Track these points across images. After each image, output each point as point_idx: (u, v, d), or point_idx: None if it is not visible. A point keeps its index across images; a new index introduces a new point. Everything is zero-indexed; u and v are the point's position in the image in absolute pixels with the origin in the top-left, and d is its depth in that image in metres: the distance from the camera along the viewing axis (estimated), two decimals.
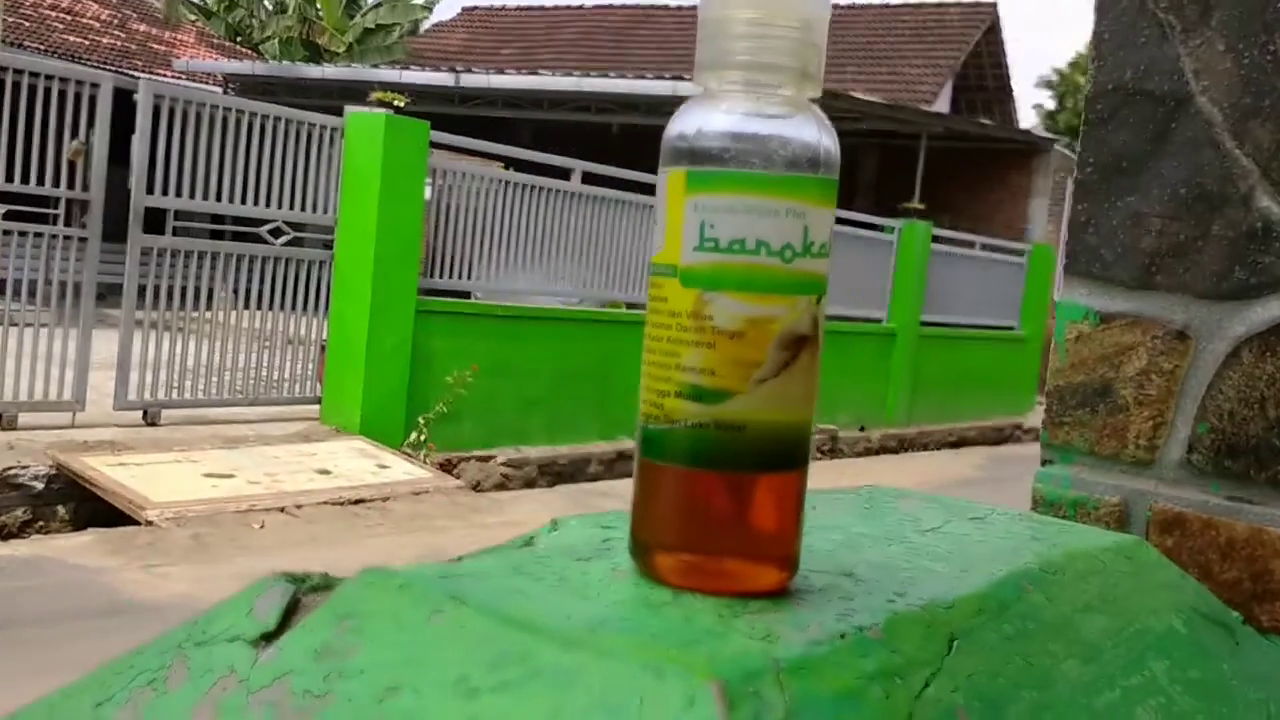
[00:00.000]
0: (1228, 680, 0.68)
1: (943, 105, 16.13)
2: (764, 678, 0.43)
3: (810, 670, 0.45)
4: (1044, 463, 0.87)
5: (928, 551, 0.64)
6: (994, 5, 17.29)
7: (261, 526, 5.52)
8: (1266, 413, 0.78)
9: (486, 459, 7.89)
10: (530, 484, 8.12)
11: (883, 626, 0.50)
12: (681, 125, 0.51)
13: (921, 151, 13.86)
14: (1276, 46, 0.78)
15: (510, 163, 8.58)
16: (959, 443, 12.48)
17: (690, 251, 0.49)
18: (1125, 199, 0.83)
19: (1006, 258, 13.75)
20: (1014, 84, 17.35)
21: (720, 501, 0.50)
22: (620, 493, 8.16)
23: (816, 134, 0.50)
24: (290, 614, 0.51)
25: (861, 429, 11.34)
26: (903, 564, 0.61)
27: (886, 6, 18.01)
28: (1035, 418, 13.75)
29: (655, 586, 0.51)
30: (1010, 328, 13.89)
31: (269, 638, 0.49)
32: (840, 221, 11.16)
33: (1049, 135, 16.75)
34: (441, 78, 13.46)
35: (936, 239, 12.31)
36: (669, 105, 12.63)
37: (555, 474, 8.33)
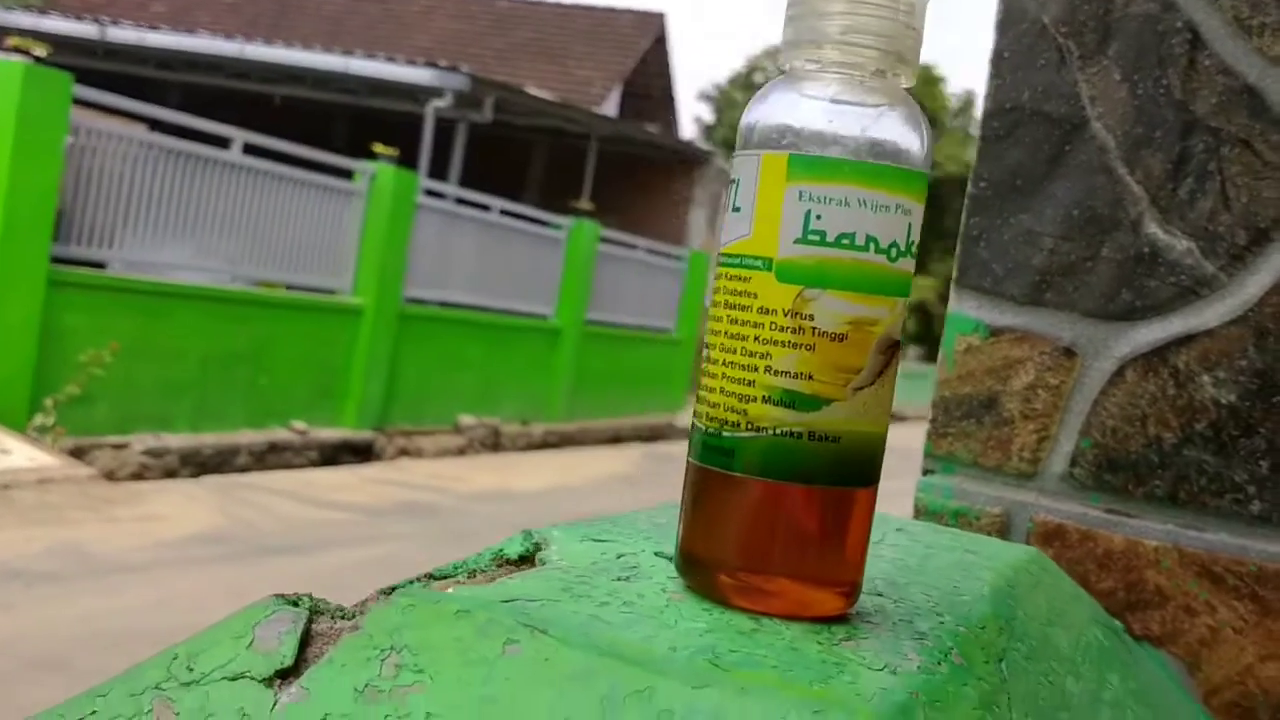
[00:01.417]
0: (1150, 688, 0.70)
1: (611, 109, 16.51)
2: (915, 713, 0.39)
3: (942, 702, 0.41)
4: (925, 472, 0.87)
5: (900, 565, 0.62)
6: (663, 16, 17.91)
7: None
8: (1147, 430, 0.82)
9: (122, 446, 7.29)
10: (171, 474, 7.59)
11: (960, 651, 0.47)
12: (776, 106, 0.46)
13: (592, 152, 14.13)
14: (1169, 81, 0.81)
15: (162, 127, 7.95)
16: (617, 439, 12.82)
17: (790, 244, 0.44)
18: (1018, 216, 0.84)
19: (667, 263, 14.26)
20: (677, 95, 18.02)
21: (805, 519, 0.45)
22: (272, 486, 7.79)
23: (921, 126, 0.46)
24: (304, 645, 0.41)
25: (524, 423, 11.41)
26: (900, 579, 0.58)
27: (560, 6, 18.22)
28: (686, 417, 14.36)
29: (724, 610, 0.46)
30: (667, 330, 14.42)
31: (286, 675, 0.40)
32: (509, 215, 11.20)
33: (707, 148, 17.51)
34: (85, 29, 12.34)
35: (603, 240, 12.59)
36: (339, 81, 12.22)
37: (200, 464, 7.83)
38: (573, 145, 14.77)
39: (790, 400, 0.44)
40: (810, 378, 0.44)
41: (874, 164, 0.44)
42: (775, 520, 0.45)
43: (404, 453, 9.64)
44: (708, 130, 27.11)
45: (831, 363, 0.44)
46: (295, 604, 0.42)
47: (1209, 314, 0.81)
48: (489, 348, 10.94)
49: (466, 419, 10.48)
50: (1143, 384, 0.82)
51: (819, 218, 0.44)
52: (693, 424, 0.48)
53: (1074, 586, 0.77)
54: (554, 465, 10.54)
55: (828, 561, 0.46)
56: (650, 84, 18.13)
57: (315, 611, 0.43)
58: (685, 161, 15.99)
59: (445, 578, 0.52)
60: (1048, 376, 0.84)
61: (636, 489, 9.87)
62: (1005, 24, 0.85)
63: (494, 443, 10.76)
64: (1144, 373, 0.82)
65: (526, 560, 0.55)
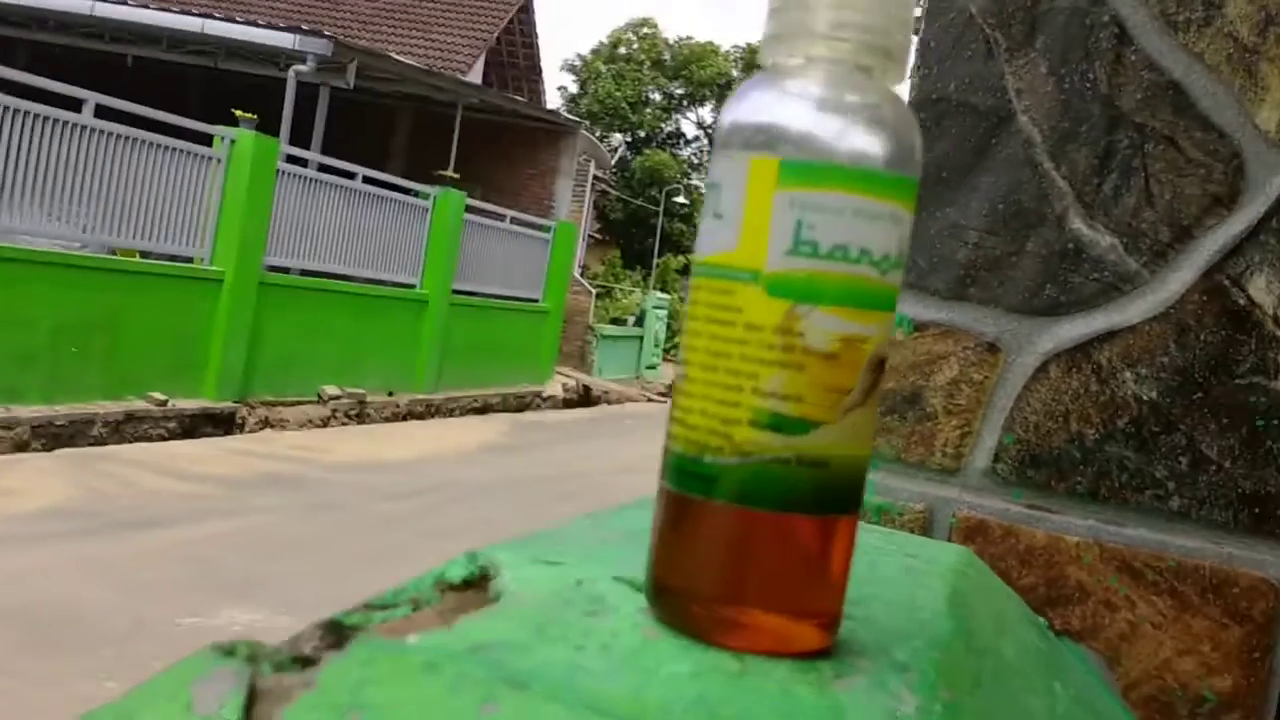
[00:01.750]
0: (1083, 690, 0.70)
1: (476, 77, 16.27)
2: None
3: None
4: None
5: (851, 575, 0.60)
6: None
7: None
8: (1069, 426, 0.82)
9: None
10: (22, 447, 7.26)
11: (945, 683, 0.45)
12: (760, 104, 0.43)
13: (457, 121, 13.90)
14: (1095, 75, 0.81)
15: (8, 88, 7.52)
16: (484, 409, 12.72)
17: (781, 255, 0.41)
18: (944, 209, 0.83)
19: (533, 233, 14.16)
20: (542, 65, 17.81)
21: (791, 549, 0.43)
22: (130, 458, 7.50)
23: (914, 127, 0.43)
24: (249, 705, 0.37)
25: (390, 394, 11.22)
26: (854, 593, 0.56)
27: None
28: (554, 387, 14.33)
29: (703, 648, 0.43)
30: (534, 300, 14.33)
31: None
32: (373, 183, 10.95)
33: (575, 119, 17.40)
34: None
35: (470, 209, 12.42)
36: (196, 43, 11.73)
37: (53, 436, 7.50)
38: (438, 113, 14.51)
39: (778, 423, 0.42)
40: (800, 399, 0.41)
41: (868, 169, 0.42)
42: (760, 551, 0.43)
43: (266, 424, 9.38)
44: (573, 101, 26.94)
45: (822, 383, 0.42)
46: (231, 653, 0.38)
47: (1132, 310, 0.81)
48: (353, 317, 10.70)
49: (331, 389, 10.25)
50: (1066, 380, 0.82)
51: (811, 227, 0.41)
52: (667, 447, 0.44)
53: (1003, 586, 0.77)
54: (421, 435, 10.40)
55: (813, 593, 0.43)
56: (515, 53, 17.91)
57: (255, 661, 0.38)
58: (551, 132, 15.87)
59: (386, 608, 0.48)
60: (971, 372, 0.83)
61: (506, 458, 9.80)
62: (932, 13, 0.84)
63: (359, 413, 10.55)
64: (1067, 369, 0.82)
65: (471, 584, 0.52)
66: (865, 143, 0.42)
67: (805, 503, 0.42)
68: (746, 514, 0.42)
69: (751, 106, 0.43)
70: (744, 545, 0.43)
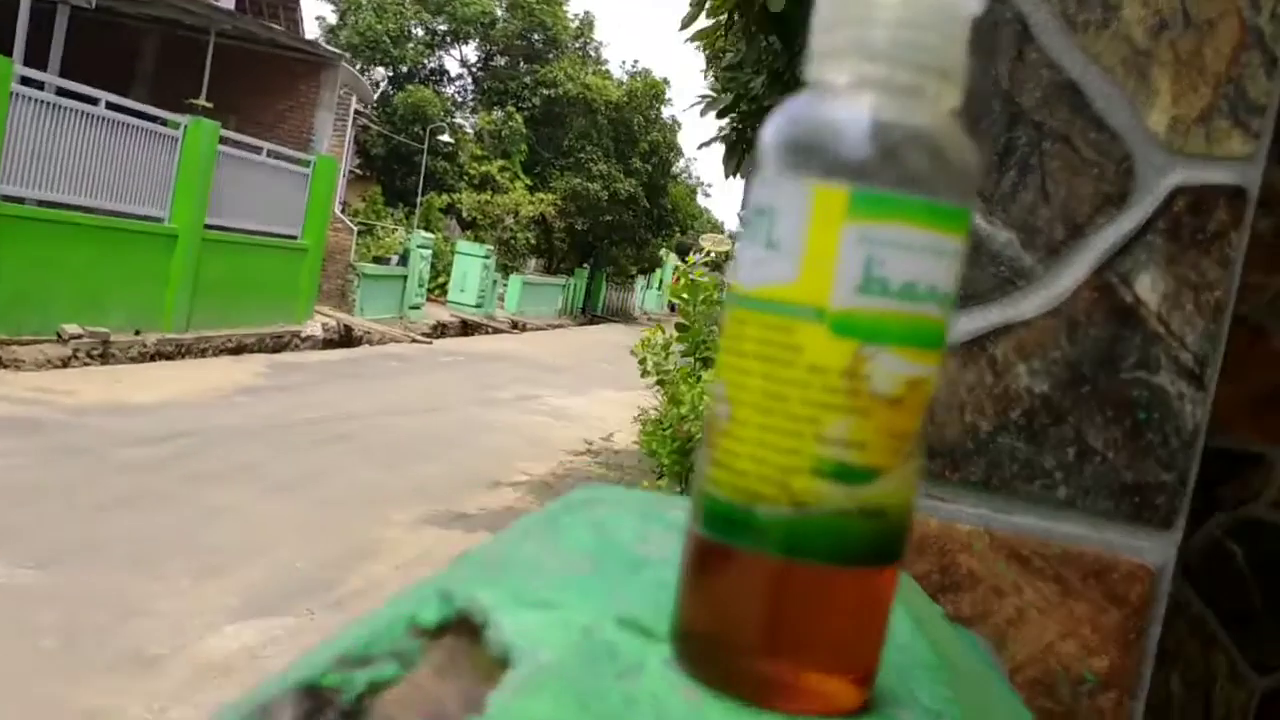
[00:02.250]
0: (988, 680, 0.72)
1: (229, 2, 15.36)
2: None
3: None
4: None
5: None
6: None
7: None
8: (964, 418, 0.83)
9: None
10: None
11: None
12: (815, 126, 0.40)
13: (210, 48, 13.10)
14: (998, 71, 0.82)
15: None
16: (239, 349, 12.18)
17: (849, 293, 0.39)
18: None
19: (292, 167, 13.58)
20: None
21: (849, 605, 0.41)
22: None
23: (974, 154, 0.42)
24: None
25: (137, 333, 10.58)
26: None
27: None
28: (313, 326, 13.86)
29: (757, 713, 0.40)
30: (293, 237, 13.78)
31: None
32: (118, 109, 10.22)
33: (336, 51, 16.72)
34: None
35: (224, 141, 11.77)
36: None
37: None
38: (189, 39, 13.65)
39: (842, 473, 0.39)
40: (864, 447, 0.39)
41: (938, 202, 0.39)
42: (814, 608, 0.40)
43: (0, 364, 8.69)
44: (332, 32, 25.84)
45: (887, 429, 0.40)
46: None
47: (1026, 305, 0.83)
48: (96, 251, 9.99)
49: (71, 328, 9.58)
50: (962, 372, 0.83)
51: (882, 264, 0.39)
52: (705, 492, 0.41)
53: (910, 579, 0.78)
54: (171, 377, 9.87)
55: (864, 650, 0.42)
56: None
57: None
58: (311, 63, 15.20)
59: (364, 662, 0.44)
60: None
61: (264, 401, 9.44)
62: None
63: (103, 353, 9.91)
64: (964, 361, 0.83)
65: (447, 628, 0.47)
66: (935, 174, 0.40)
67: (862, 555, 0.40)
68: (805, 569, 0.40)
69: (810, 128, 0.40)
70: (798, 602, 0.40)
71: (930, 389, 0.41)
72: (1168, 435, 0.81)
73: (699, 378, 5.17)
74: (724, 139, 8.24)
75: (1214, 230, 0.80)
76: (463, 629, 0.48)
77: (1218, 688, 1.21)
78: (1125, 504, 0.82)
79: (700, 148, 7.69)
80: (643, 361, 5.57)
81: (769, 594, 0.40)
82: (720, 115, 7.90)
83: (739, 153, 8.12)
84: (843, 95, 0.41)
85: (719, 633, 0.41)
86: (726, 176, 8.93)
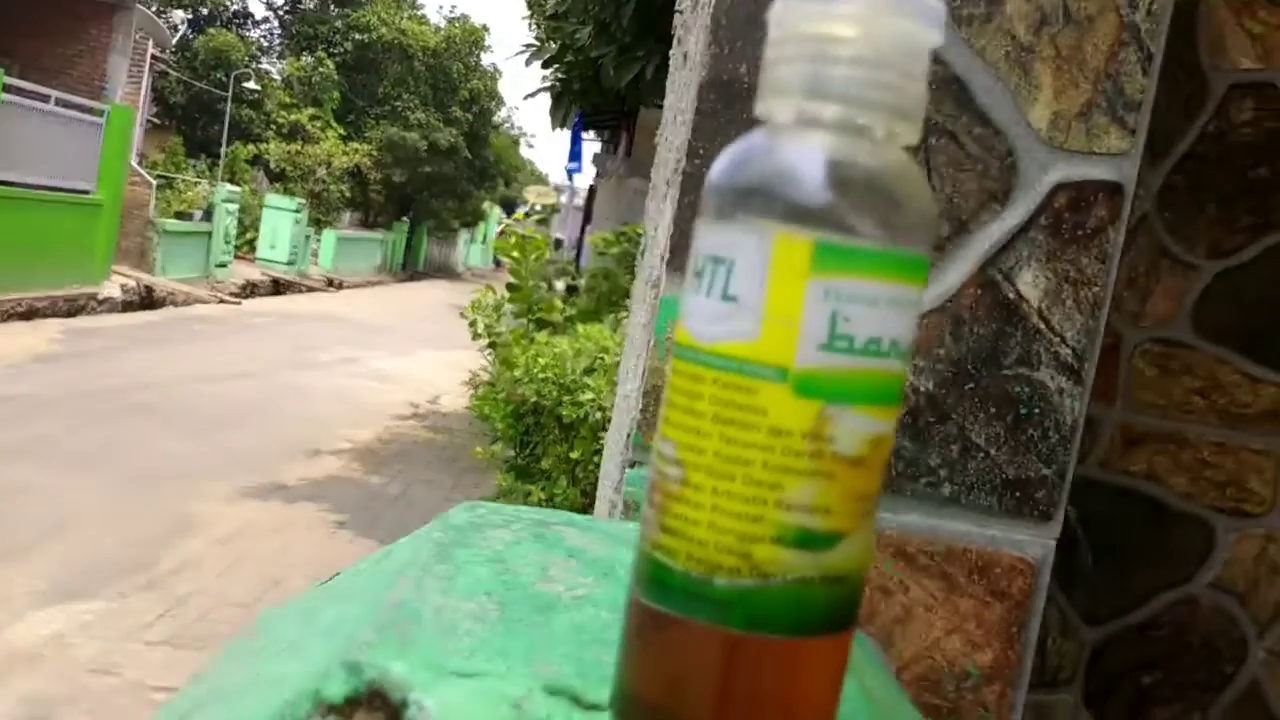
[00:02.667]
0: (887, 683, 0.71)
1: None
2: None
3: None
4: (632, 464, 0.82)
5: None
6: None
7: None
8: None
9: None
10: None
11: None
12: (766, 168, 0.36)
13: None
14: None
15: None
16: (30, 314, 11.46)
17: (813, 351, 0.36)
18: None
19: (84, 116, 12.80)
20: None
21: (809, 673, 0.38)
22: None
23: (929, 194, 0.39)
24: None
25: None
26: None
27: None
28: (111, 288, 13.17)
29: None
30: (86, 191, 13.02)
31: None
32: None
33: None
34: None
35: (7, 89, 10.99)
36: None
37: None
38: None
39: (805, 540, 0.36)
40: (828, 511, 0.36)
41: (901, 252, 0.37)
42: (778, 680, 0.37)
43: None
44: None
45: (850, 491, 0.37)
46: None
47: None
48: None
49: None
50: None
51: (847, 320, 0.36)
52: (654, 559, 0.38)
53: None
54: None
55: (822, 716, 0.39)
56: None
57: None
58: (101, 4, 14.31)
59: None
60: None
61: (60, 369, 8.92)
62: None
63: None
64: None
65: (358, 704, 0.43)
66: (899, 221, 0.37)
67: (823, 623, 0.38)
68: (761, 641, 0.37)
69: (756, 170, 0.37)
70: (757, 674, 0.37)
71: (889, 445, 0.38)
72: (1048, 430, 0.82)
73: (532, 339, 5.10)
74: (550, 90, 8.14)
75: (1093, 226, 0.80)
76: (375, 704, 0.43)
77: (1050, 641, 1.26)
78: (1008, 499, 0.82)
79: (527, 98, 7.59)
80: (474, 324, 5.45)
81: (728, 667, 0.37)
82: (546, 65, 7.79)
83: (565, 104, 8.04)
84: (801, 136, 0.37)
85: (670, 707, 0.38)
86: (554, 128, 8.84)
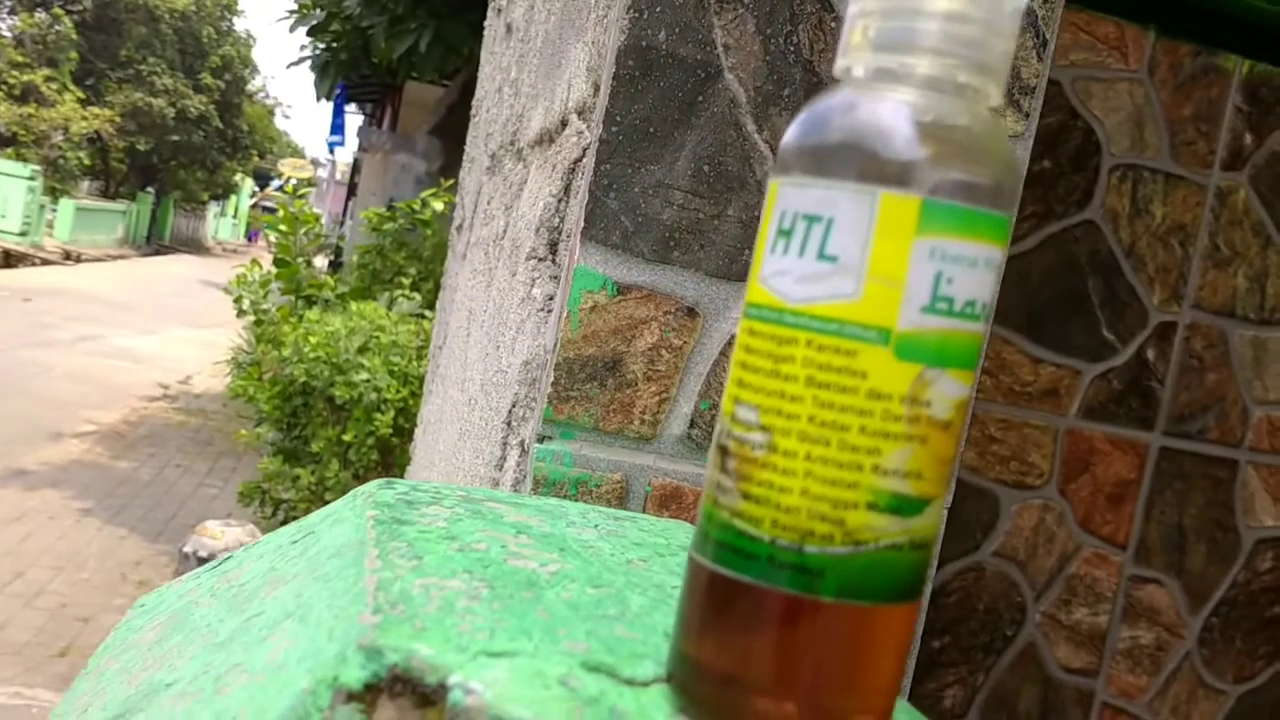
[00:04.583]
0: None
1: None
2: None
3: None
4: (542, 439, 0.79)
5: None
6: None
7: None
8: None
9: None
10: None
11: None
12: (864, 126, 0.36)
13: None
14: (799, 39, 0.80)
15: None
16: None
17: (916, 313, 0.35)
18: (649, 167, 0.79)
19: None
20: None
21: (893, 643, 0.38)
22: None
23: (1016, 152, 0.39)
24: None
25: None
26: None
27: None
28: None
29: None
30: None
31: None
32: None
33: None
34: None
35: None
36: None
37: None
38: None
39: (899, 505, 0.36)
40: (920, 476, 0.36)
41: (995, 212, 0.36)
42: (861, 648, 0.37)
43: None
44: None
45: (939, 455, 0.36)
46: None
47: None
48: None
49: None
50: None
51: (950, 281, 0.35)
52: (730, 526, 0.36)
53: None
54: None
55: (893, 686, 0.39)
56: None
57: None
58: None
59: None
60: (671, 337, 0.80)
61: None
62: None
63: None
64: None
65: (379, 692, 0.40)
66: (996, 182, 0.36)
67: (905, 590, 0.37)
68: (858, 610, 0.36)
69: (851, 127, 0.36)
70: (843, 643, 0.37)
71: (967, 410, 0.38)
72: None
73: (301, 317, 4.90)
74: (314, 59, 7.80)
75: None
76: (398, 689, 0.40)
77: None
78: None
79: (289, 67, 7.26)
80: (238, 300, 5.19)
81: (811, 635, 0.36)
82: (312, 33, 7.47)
83: (332, 74, 7.74)
84: (884, 94, 0.37)
85: (742, 676, 0.37)
86: (318, 99, 8.49)
